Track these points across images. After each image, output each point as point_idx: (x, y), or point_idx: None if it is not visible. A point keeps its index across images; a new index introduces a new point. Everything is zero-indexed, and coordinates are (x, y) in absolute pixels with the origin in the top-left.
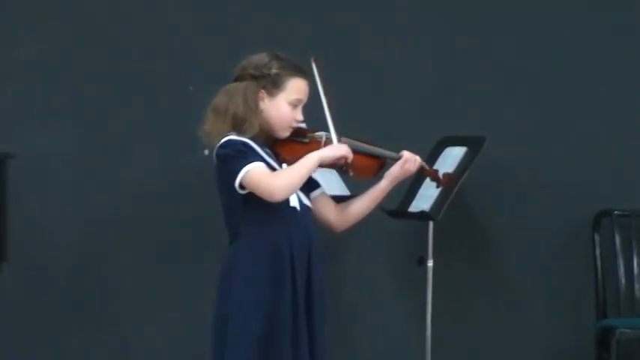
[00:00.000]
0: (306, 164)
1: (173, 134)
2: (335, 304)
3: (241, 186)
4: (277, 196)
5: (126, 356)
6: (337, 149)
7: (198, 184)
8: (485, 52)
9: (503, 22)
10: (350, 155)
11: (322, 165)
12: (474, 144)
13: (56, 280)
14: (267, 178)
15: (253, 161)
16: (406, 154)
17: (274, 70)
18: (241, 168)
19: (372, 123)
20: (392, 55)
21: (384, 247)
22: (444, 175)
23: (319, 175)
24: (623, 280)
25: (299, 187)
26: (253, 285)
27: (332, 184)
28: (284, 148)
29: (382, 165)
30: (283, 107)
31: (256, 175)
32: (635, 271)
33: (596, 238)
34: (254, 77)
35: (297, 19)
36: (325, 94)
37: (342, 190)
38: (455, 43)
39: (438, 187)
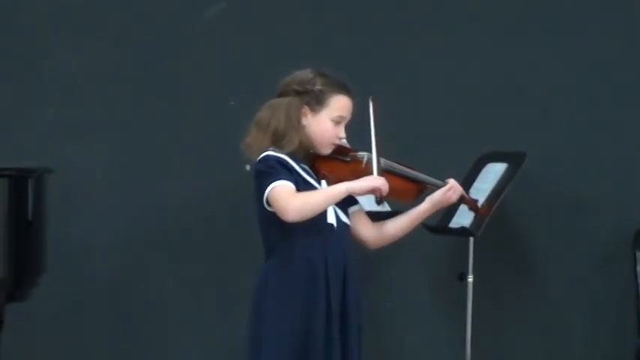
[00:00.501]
0: (331, 194)
1: (213, 148)
2: (375, 319)
3: (268, 202)
4: (289, 216)
5: None
6: (369, 181)
7: (237, 198)
8: (529, 66)
9: (549, 35)
10: (384, 188)
11: (353, 195)
12: (514, 160)
13: (95, 292)
14: (285, 196)
15: (282, 179)
16: (451, 182)
17: (318, 87)
18: (269, 184)
19: (411, 138)
20: (431, 68)
21: (424, 262)
22: (483, 205)
23: (361, 199)
24: None
25: (314, 214)
26: (287, 302)
27: (371, 199)
28: (325, 165)
29: (422, 190)
30: (326, 124)
31: (278, 192)
32: None
33: (638, 253)
34: (298, 93)
35: (338, 35)
36: (376, 134)
37: (382, 206)
38: (498, 58)
39: (476, 216)
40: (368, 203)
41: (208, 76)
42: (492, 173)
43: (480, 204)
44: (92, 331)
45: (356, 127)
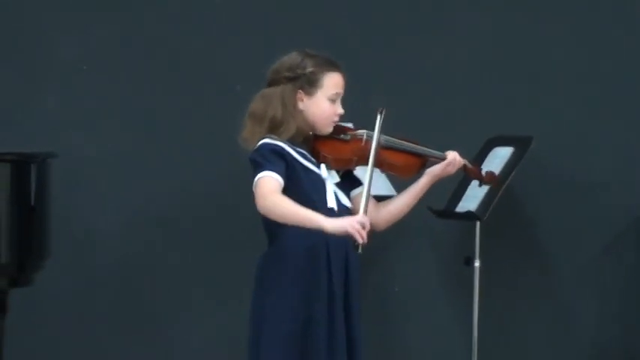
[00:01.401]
0: (303, 217)
1: (219, 134)
2: (383, 303)
3: None
4: (258, 208)
5: (168, 354)
6: (346, 225)
7: (243, 185)
8: (534, 51)
9: (553, 20)
10: (357, 235)
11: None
12: (520, 144)
13: (101, 277)
14: (265, 190)
15: (270, 170)
16: (451, 154)
17: (309, 69)
18: (257, 173)
19: (418, 123)
20: (441, 55)
21: (431, 247)
22: (487, 173)
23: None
24: None
25: (279, 220)
26: (288, 286)
27: (378, 184)
28: (325, 146)
29: (423, 163)
30: (323, 104)
31: (260, 183)
32: None
33: None
34: (290, 79)
35: (341, 20)
36: (376, 148)
37: (388, 190)
38: (505, 40)
39: (480, 185)
40: (375, 187)
41: (211, 63)
42: (499, 157)
43: (483, 173)
44: (95, 316)
45: (359, 111)
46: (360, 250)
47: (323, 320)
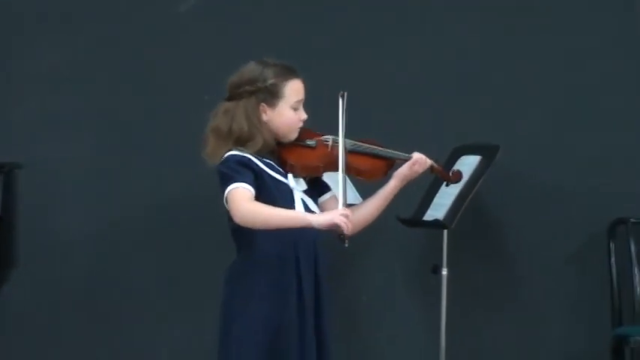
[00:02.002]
0: (289, 219)
1: (187, 143)
2: (351, 312)
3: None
4: (236, 219)
5: None
6: (331, 217)
7: (211, 194)
8: (501, 59)
9: (520, 28)
10: (344, 225)
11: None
12: (487, 152)
13: (68, 287)
14: (239, 201)
15: (241, 181)
16: (416, 155)
17: (270, 81)
18: (228, 185)
19: (387, 130)
20: (407, 62)
21: (399, 255)
22: (453, 172)
23: (332, 183)
24: (638, 288)
25: (262, 228)
26: (257, 295)
27: (348, 192)
28: (291, 155)
29: (390, 166)
30: (287, 113)
31: (233, 194)
32: None
33: (612, 246)
34: (251, 93)
35: (310, 27)
36: (343, 132)
37: (355, 199)
38: (470, 50)
39: (447, 185)
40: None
41: (179, 73)
42: (466, 165)
43: (450, 173)
44: (66, 327)
45: (325, 116)
46: (346, 243)
47: (293, 328)
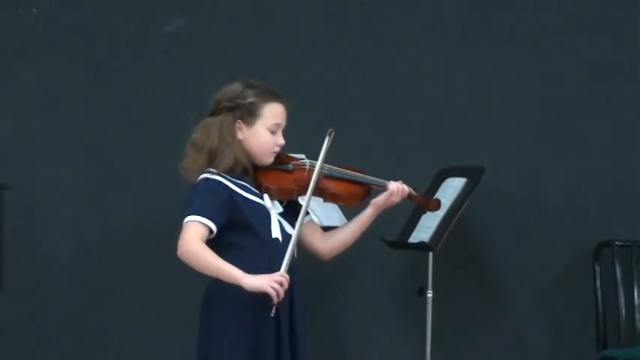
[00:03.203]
0: (221, 272)
1: (173, 164)
2: (336, 333)
3: None
4: (178, 253)
5: None
6: (263, 283)
7: None
8: (486, 83)
9: (505, 52)
10: (274, 295)
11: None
12: (473, 175)
13: (56, 306)
14: (189, 236)
15: (201, 214)
16: (392, 185)
17: (249, 100)
18: (186, 215)
19: (372, 152)
20: (390, 84)
21: (384, 277)
22: (431, 200)
23: (318, 205)
24: (623, 311)
25: (196, 269)
26: (234, 318)
27: (331, 215)
28: (267, 177)
29: (368, 192)
30: (263, 134)
31: (186, 227)
32: (636, 301)
33: (597, 268)
34: (229, 109)
35: (297, 48)
36: (320, 168)
37: (340, 221)
38: (456, 73)
39: (424, 212)
40: (327, 218)
41: (168, 91)
42: (451, 188)
43: (428, 200)
44: (53, 347)
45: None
46: (272, 312)
47: (270, 351)
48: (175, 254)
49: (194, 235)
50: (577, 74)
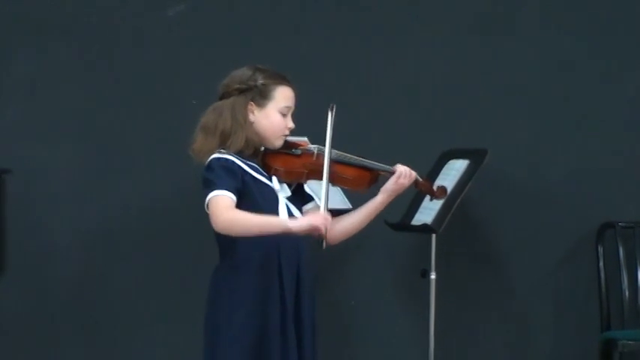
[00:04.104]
0: (267, 225)
1: (176, 148)
2: (339, 316)
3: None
4: (217, 227)
5: None
6: (310, 220)
7: (198, 198)
8: (489, 64)
9: (508, 33)
10: (324, 227)
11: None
12: (475, 157)
13: (59, 291)
14: (220, 208)
15: (222, 188)
16: (400, 168)
17: (261, 81)
18: (209, 192)
19: (373, 136)
20: (394, 67)
21: (387, 259)
22: (438, 187)
23: (321, 188)
24: (626, 292)
25: (241, 235)
26: (242, 297)
27: (334, 197)
28: (276, 160)
29: (375, 177)
30: (274, 116)
31: (214, 202)
32: (639, 282)
33: (600, 249)
34: (241, 91)
35: (296, 33)
36: (330, 142)
37: (344, 204)
38: (458, 55)
39: (431, 199)
40: (330, 200)
41: (168, 77)
42: (454, 170)
43: (434, 187)
44: (57, 330)
45: (311, 125)
46: (324, 245)
47: (276, 330)
48: (178, 237)
49: (223, 205)
50: (580, 56)
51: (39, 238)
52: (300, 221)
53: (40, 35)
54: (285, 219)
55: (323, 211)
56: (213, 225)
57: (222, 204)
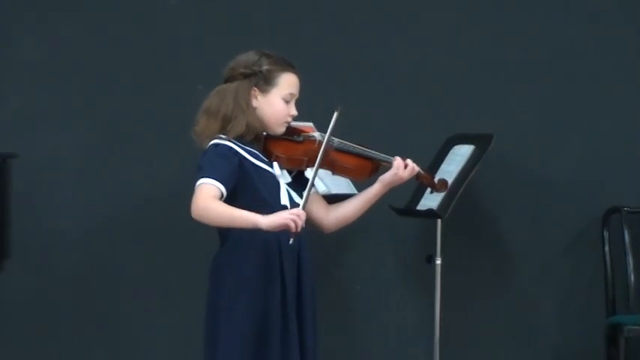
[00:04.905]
0: (238, 218)
1: (181, 133)
2: (344, 301)
3: None
4: (193, 215)
5: (128, 354)
6: (282, 218)
7: None
8: (494, 49)
9: (513, 18)
10: (293, 225)
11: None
12: (481, 142)
13: (62, 278)
14: (200, 197)
15: (212, 176)
16: (398, 161)
17: (265, 67)
18: (199, 178)
19: (378, 122)
20: (398, 52)
21: (392, 245)
22: (439, 181)
23: (326, 175)
24: (632, 277)
25: (212, 224)
26: (243, 285)
27: (339, 183)
28: (277, 146)
29: (376, 167)
30: (277, 103)
31: (199, 189)
32: None
33: (606, 234)
34: (245, 76)
35: (300, 19)
36: (327, 144)
37: (349, 189)
38: (464, 40)
39: (431, 192)
40: (336, 186)
41: (173, 62)
42: (459, 155)
43: (436, 180)
44: (56, 316)
45: (314, 111)
46: (291, 241)
47: (277, 317)
48: (181, 225)
49: (206, 195)
50: (587, 41)
51: (44, 222)
52: (270, 218)
53: (44, 22)
54: (258, 216)
55: (300, 208)
56: (191, 212)
57: (205, 193)
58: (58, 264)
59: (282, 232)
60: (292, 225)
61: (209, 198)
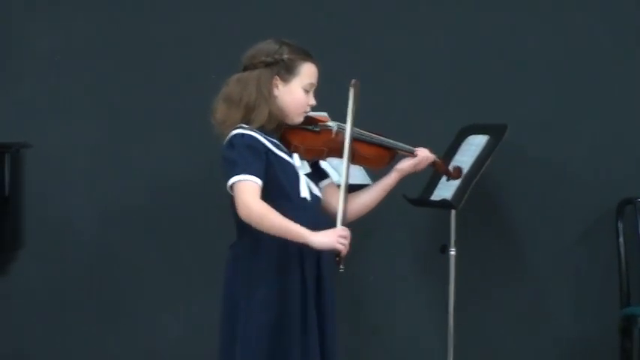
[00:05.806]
0: (289, 231)
1: (195, 123)
2: (358, 291)
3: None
4: (242, 214)
5: (144, 343)
6: (331, 242)
7: (218, 174)
8: (509, 39)
9: (529, 8)
10: (344, 250)
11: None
12: (495, 132)
13: (75, 267)
14: (249, 198)
15: (248, 172)
16: (421, 153)
17: (286, 56)
18: (234, 174)
19: (392, 112)
20: (414, 43)
21: (407, 235)
22: (454, 168)
23: (341, 164)
24: None
25: (262, 230)
26: (262, 275)
27: (355, 173)
28: (296, 136)
29: (393, 156)
30: (297, 92)
31: (242, 187)
32: None
33: (620, 225)
34: (267, 64)
35: (317, 8)
36: (352, 122)
37: (364, 179)
38: (478, 30)
39: (447, 180)
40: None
41: (187, 52)
42: (474, 145)
43: (451, 168)
44: (70, 306)
45: (333, 102)
46: (341, 268)
47: (297, 308)
48: (194, 215)
49: (252, 194)
50: (601, 31)
51: (58, 211)
52: (322, 239)
53: (58, 12)
54: (309, 233)
55: (343, 229)
56: (239, 211)
57: (250, 192)
58: (71, 253)
59: (303, 225)
60: (342, 249)
61: (258, 200)
